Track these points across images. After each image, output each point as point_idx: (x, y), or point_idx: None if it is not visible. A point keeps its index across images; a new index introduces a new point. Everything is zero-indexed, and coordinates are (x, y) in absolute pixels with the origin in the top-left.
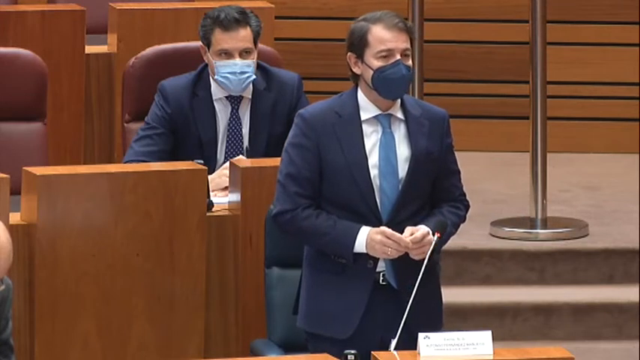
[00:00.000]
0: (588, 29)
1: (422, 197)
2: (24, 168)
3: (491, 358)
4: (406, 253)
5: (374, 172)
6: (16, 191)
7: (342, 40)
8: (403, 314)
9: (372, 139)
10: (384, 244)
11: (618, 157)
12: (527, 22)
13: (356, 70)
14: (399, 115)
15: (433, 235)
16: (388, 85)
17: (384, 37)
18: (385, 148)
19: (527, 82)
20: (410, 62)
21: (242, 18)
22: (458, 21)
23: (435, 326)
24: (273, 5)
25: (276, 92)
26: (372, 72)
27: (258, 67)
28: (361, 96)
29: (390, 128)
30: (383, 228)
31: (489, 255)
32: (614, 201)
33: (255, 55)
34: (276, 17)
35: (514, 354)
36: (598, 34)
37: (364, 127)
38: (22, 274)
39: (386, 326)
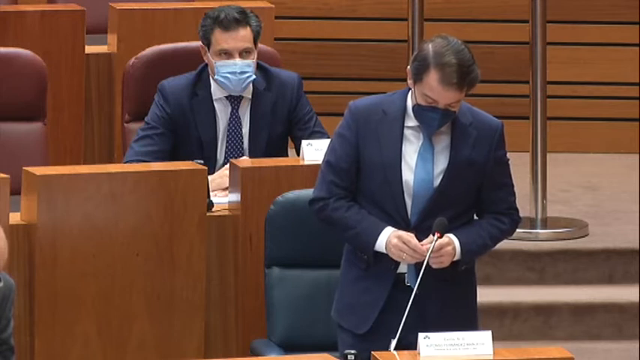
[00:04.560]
0: (588, 29)
1: (457, 206)
2: (24, 168)
3: (491, 358)
4: None
5: (408, 176)
6: (16, 191)
7: (342, 40)
8: (422, 316)
9: (411, 144)
10: (400, 249)
11: (618, 157)
12: (527, 22)
13: (409, 84)
14: (443, 126)
15: (433, 235)
16: (423, 122)
17: (434, 88)
18: (423, 158)
19: (527, 82)
20: (457, 108)
21: (242, 18)
22: (458, 21)
23: (470, 326)
24: (273, 5)
25: (276, 92)
26: (415, 102)
27: (258, 67)
28: (409, 101)
29: (429, 139)
30: (401, 233)
31: (489, 255)
32: (614, 201)
33: (255, 55)
34: (276, 17)
35: (514, 354)
36: (598, 34)
37: (406, 131)
38: (22, 274)
39: (405, 326)
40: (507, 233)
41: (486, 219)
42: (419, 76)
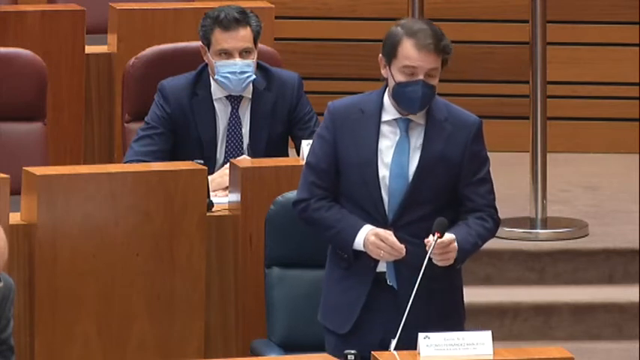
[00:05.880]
0: (588, 29)
1: (434, 201)
2: (24, 168)
3: (491, 358)
4: (409, 255)
5: (384, 172)
6: (16, 191)
7: (342, 40)
8: (403, 315)
9: (388, 140)
10: (377, 246)
11: (618, 157)
12: (527, 22)
13: (383, 73)
14: (420, 120)
15: (433, 235)
16: (405, 101)
17: (411, 54)
18: (399, 151)
19: (527, 82)
20: (435, 81)
21: (242, 18)
22: (458, 21)
23: (456, 323)
24: (273, 5)
25: (276, 92)
26: (394, 83)
27: (258, 67)
28: (387, 96)
29: (406, 132)
30: (378, 230)
31: (489, 255)
32: (614, 201)
33: (255, 54)
34: (276, 17)
35: (514, 354)
36: (598, 34)
37: (383, 127)
38: (22, 274)
39: (387, 326)
40: (493, 233)
41: (471, 219)
42: (393, 51)
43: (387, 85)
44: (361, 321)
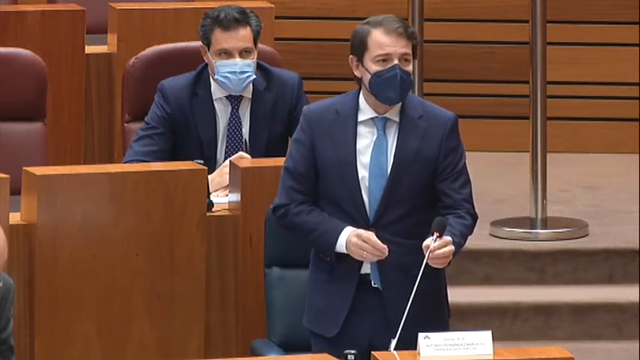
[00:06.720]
0: (588, 29)
1: (412, 199)
2: (24, 168)
3: (491, 358)
4: (392, 255)
5: (363, 172)
6: (16, 191)
7: (342, 40)
8: (391, 316)
9: (365, 140)
10: (360, 247)
11: (618, 157)
12: (527, 22)
13: (357, 73)
14: (396, 118)
15: (432, 234)
16: (385, 90)
17: (382, 41)
18: (377, 151)
19: (527, 82)
20: (409, 67)
21: (242, 18)
22: (458, 21)
23: (441, 322)
24: (273, 5)
25: (276, 92)
26: (369, 76)
27: (259, 67)
28: (362, 97)
29: (384, 131)
30: (360, 231)
31: (489, 255)
32: (614, 201)
33: (255, 54)
34: (276, 17)
35: (514, 354)
36: (598, 34)
37: (359, 127)
38: (22, 274)
39: (374, 328)
40: (472, 229)
41: (451, 219)
42: (363, 46)
43: (361, 87)
44: (348, 323)
